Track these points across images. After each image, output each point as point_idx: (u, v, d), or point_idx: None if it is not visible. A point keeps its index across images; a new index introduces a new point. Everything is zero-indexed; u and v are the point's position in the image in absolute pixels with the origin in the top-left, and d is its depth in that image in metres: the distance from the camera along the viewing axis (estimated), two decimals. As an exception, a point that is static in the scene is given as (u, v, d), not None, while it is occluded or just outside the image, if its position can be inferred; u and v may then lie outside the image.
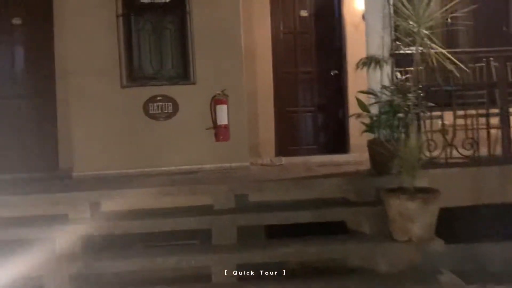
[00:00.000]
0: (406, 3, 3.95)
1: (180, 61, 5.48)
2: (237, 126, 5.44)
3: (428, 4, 3.85)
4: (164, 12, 5.37)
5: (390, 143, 4.01)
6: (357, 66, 4.58)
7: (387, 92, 4.43)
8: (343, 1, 6.29)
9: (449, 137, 4.45)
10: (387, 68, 4.51)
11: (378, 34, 4.56)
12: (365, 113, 4.41)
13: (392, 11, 4.53)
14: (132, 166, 5.24)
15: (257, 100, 6.16)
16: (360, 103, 4.39)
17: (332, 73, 6.48)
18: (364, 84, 6.32)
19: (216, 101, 5.35)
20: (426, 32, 3.96)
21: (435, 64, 3.93)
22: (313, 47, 6.48)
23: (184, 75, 5.46)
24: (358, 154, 6.19)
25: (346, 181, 4.16)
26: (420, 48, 4.02)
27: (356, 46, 6.26)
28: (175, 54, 5.47)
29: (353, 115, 4.50)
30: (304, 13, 6.43)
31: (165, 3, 5.38)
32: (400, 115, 4.24)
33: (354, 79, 6.28)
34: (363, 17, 6.15)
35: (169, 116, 5.42)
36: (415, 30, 3.97)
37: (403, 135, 4.10)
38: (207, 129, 5.30)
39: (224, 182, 4.34)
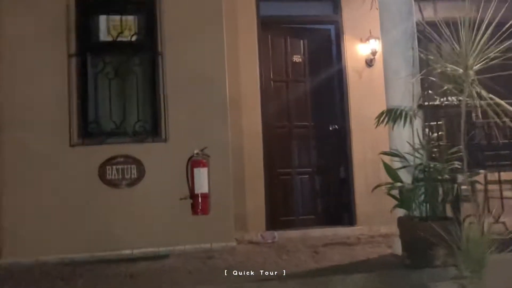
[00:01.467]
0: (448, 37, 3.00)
1: (148, 113, 4.37)
2: (220, 194, 4.29)
3: (481, 38, 2.90)
4: (130, 53, 4.31)
5: (433, 223, 2.93)
6: (378, 120, 3.57)
7: (418, 154, 3.41)
8: (343, 45, 5.39)
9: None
10: (416, 123, 3.51)
11: (402, 80, 3.59)
12: (389, 184, 3.34)
13: (417, 52, 3.61)
14: (80, 250, 3.96)
15: (244, 160, 5.05)
16: (388, 169, 3.34)
17: (331, 128, 5.48)
18: (373, 141, 5.34)
19: (194, 163, 4.22)
20: (474, 77, 2.99)
21: (492, 117, 2.92)
22: (309, 98, 5.50)
23: (153, 130, 4.34)
24: (367, 227, 5.10)
25: (375, 278, 3.00)
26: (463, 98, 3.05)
27: (360, 96, 5.34)
28: (143, 104, 4.36)
29: (379, 186, 3.40)
30: (297, 58, 5.50)
31: (131, 42, 4.33)
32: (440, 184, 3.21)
33: (360, 135, 5.30)
34: (368, 62, 5.26)
35: (132, 182, 4.22)
36: (460, 74, 3.00)
37: (452, 213, 3.03)
38: (181, 199, 4.13)
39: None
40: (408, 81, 3.55)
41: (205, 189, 4.23)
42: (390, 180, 3.57)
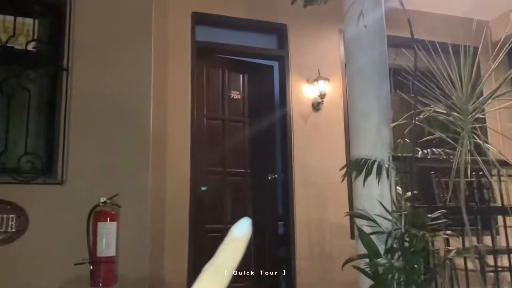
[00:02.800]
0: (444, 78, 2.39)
1: (41, 145, 3.28)
2: (133, 257, 3.28)
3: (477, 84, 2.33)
4: (23, 63, 3.25)
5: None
6: (346, 174, 2.85)
7: (390, 217, 2.72)
8: (288, 85, 4.75)
9: None
10: (389, 178, 2.84)
11: (373, 125, 2.94)
12: (363, 257, 2.58)
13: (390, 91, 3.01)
14: None
15: (164, 212, 4.06)
16: (363, 236, 2.56)
17: (270, 177, 4.72)
18: (319, 196, 4.67)
19: (98, 215, 3.18)
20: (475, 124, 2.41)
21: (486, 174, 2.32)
22: (246, 141, 4.73)
23: (46, 168, 3.24)
24: (310, 298, 4.29)
25: None
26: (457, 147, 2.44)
27: (305, 144, 4.66)
28: (35, 133, 3.28)
29: (350, 260, 2.60)
30: (236, 95, 4.76)
31: (26, 51, 3.29)
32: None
33: (303, 189, 4.58)
34: (315, 106, 4.65)
35: (8, 238, 3.05)
36: (457, 120, 2.40)
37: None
38: (77, 264, 3.03)
39: None
40: (382, 126, 2.91)
41: (111, 251, 3.17)
42: (352, 248, 2.85)
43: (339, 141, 4.77)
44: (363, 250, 2.87)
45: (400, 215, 2.78)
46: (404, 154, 2.91)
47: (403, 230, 2.66)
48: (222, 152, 4.57)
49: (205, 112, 4.55)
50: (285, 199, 4.62)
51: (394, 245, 2.73)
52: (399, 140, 2.92)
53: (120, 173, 3.41)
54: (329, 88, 4.73)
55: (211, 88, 4.64)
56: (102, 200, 3.23)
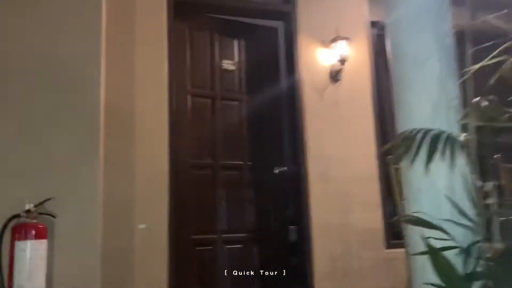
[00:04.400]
0: None
1: None
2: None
3: None
4: None
5: None
6: (396, 152, 1.76)
7: (470, 224, 1.62)
8: (297, 50, 3.63)
9: None
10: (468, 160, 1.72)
11: (434, 78, 1.82)
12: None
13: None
14: None
15: (133, 221, 2.99)
16: (438, 260, 1.46)
17: (277, 171, 3.62)
18: (341, 195, 3.56)
19: (18, 230, 2.14)
20: None
21: None
22: (245, 125, 3.64)
23: None
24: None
25: None
26: None
27: (321, 126, 3.56)
28: None
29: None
30: (229, 65, 3.67)
31: None
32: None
33: (321, 184, 3.48)
34: (333, 75, 3.52)
35: None
36: None
37: None
38: (-22, 307, 2.00)
39: None
40: (446, 79, 1.80)
41: (38, 283, 2.13)
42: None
43: (366, 120, 3.65)
44: (419, 272, 1.82)
45: (487, 220, 1.69)
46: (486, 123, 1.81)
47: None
48: (212, 140, 3.49)
49: (188, 88, 3.47)
50: (297, 198, 3.52)
51: (479, 268, 1.65)
52: (477, 98, 1.81)
53: (55, 168, 2.36)
54: (351, 52, 3.61)
55: (196, 57, 3.55)
56: (26, 207, 2.20)
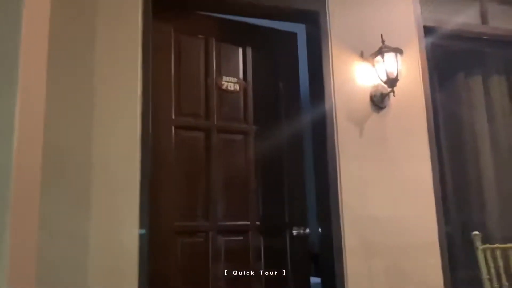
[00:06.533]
0: None
1: None
2: None
3: None
4: None
5: None
6: None
7: None
8: (326, 66, 2.57)
9: None
10: None
11: None
12: None
13: None
14: None
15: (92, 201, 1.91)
16: None
17: (295, 233, 2.56)
18: (395, 268, 2.48)
19: None
20: None
21: None
22: (252, 169, 2.56)
23: None
24: None
25: None
26: None
27: (360, 171, 2.50)
28: None
29: None
30: (230, 84, 2.60)
31: None
32: None
33: (363, 253, 2.42)
34: (377, 100, 2.48)
35: None
36: None
37: None
38: None
39: None
40: None
41: None
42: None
43: (424, 165, 2.61)
44: None
45: None
46: None
47: None
48: (206, 194, 2.41)
49: (173, 117, 2.41)
50: (327, 274, 2.45)
51: None
52: None
53: None
54: (402, 68, 2.57)
55: (186, 72, 2.50)
56: None
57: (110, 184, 2.07)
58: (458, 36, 2.89)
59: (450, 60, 3.02)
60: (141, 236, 2.09)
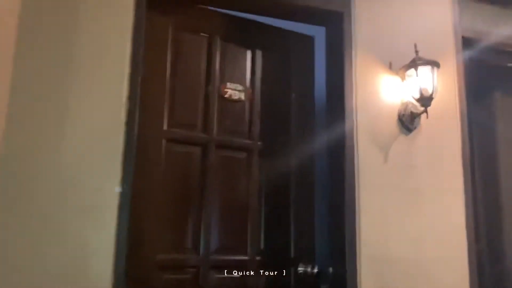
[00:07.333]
0: None
1: None
2: None
3: None
4: None
5: None
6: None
7: None
8: (349, 78, 2.19)
9: None
10: None
11: None
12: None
13: None
14: None
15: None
16: None
17: (300, 270, 2.17)
18: None
19: None
20: None
21: None
22: (255, 192, 2.18)
23: None
24: None
25: None
26: None
27: (384, 201, 2.11)
28: None
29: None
30: (235, 91, 2.23)
31: None
32: None
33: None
34: (406, 120, 2.09)
35: None
36: None
37: None
38: None
39: None
40: None
41: None
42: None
43: (458, 199, 2.23)
44: None
45: None
46: None
47: None
48: (197, 217, 2.04)
49: (164, 127, 2.03)
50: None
51: None
52: None
53: None
54: (438, 83, 2.19)
55: (184, 75, 2.12)
56: None
57: (82, 206, 1.70)
58: (501, 50, 2.50)
59: (487, 77, 2.63)
60: (116, 271, 1.73)
